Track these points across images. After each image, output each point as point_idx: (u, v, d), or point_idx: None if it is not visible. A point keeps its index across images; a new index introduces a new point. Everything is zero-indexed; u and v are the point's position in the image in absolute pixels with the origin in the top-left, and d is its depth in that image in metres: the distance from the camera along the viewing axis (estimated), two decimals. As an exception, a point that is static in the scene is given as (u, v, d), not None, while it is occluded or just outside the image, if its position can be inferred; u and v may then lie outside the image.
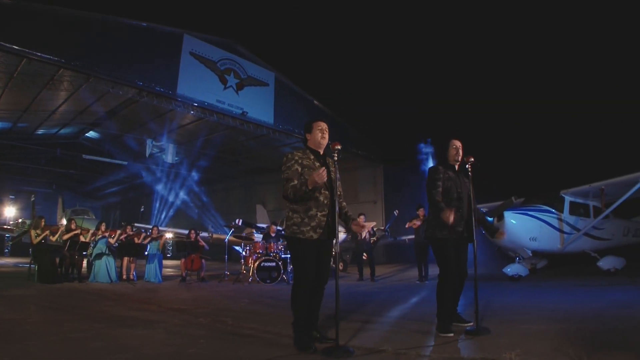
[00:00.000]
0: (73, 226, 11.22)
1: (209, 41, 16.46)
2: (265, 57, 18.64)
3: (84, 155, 21.91)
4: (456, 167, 4.71)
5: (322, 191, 3.83)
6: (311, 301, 3.84)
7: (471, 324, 4.45)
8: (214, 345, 3.95)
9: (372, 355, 3.55)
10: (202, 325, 5.01)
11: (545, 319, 5.13)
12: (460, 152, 4.68)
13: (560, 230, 10.65)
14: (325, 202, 3.84)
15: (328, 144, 4.02)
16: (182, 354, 3.59)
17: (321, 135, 4.03)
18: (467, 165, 4.66)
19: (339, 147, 3.81)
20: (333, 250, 3.93)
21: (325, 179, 3.69)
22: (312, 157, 3.94)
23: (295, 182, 3.76)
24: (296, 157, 3.88)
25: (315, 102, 20.41)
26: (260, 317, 5.62)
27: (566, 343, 3.82)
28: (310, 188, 3.68)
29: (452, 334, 4.22)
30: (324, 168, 3.68)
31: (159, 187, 25.86)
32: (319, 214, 3.79)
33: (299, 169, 3.83)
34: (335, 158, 3.83)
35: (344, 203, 4.14)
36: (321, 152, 4.05)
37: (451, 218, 4.30)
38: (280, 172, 3.92)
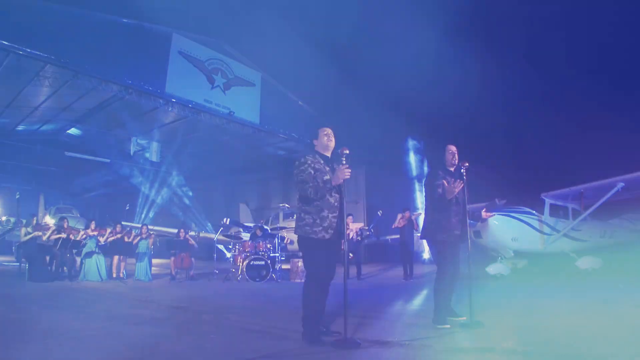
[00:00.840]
0: (65, 225, 11.16)
1: (197, 40, 16.46)
2: (251, 56, 18.69)
3: (66, 152, 21.60)
4: (452, 171, 4.96)
5: (333, 194, 4.03)
6: None
7: (464, 318, 4.71)
8: (226, 340, 4.11)
9: (378, 346, 3.79)
10: (207, 322, 5.17)
11: (532, 314, 5.47)
12: (456, 156, 4.94)
13: (541, 232, 11.08)
14: (336, 204, 4.05)
15: (336, 150, 4.19)
16: (200, 348, 3.75)
17: (327, 138, 4.25)
18: (461, 170, 4.91)
19: (347, 152, 4.02)
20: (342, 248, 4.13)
21: (349, 176, 3.90)
22: (321, 161, 4.14)
23: (312, 183, 3.95)
24: (309, 162, 4.08)
25: (300, 102, 20.53)
26: (261, 313, 5.80)
27: (556, 335, 4.13)
28: (334, 184, 3.91)
29: (448, 325, 4.50)
30: (347, 166, 3.91)
31: (143, 186, 25.60)
32: (330, 215, 4.00)
33: (312, 172, 4.02)
34: (344, 162, 3.99)
35: None
36: (329, 156, 4.26)
37: (457, 189, 4.54)
38: (294, 175, 4.09)
